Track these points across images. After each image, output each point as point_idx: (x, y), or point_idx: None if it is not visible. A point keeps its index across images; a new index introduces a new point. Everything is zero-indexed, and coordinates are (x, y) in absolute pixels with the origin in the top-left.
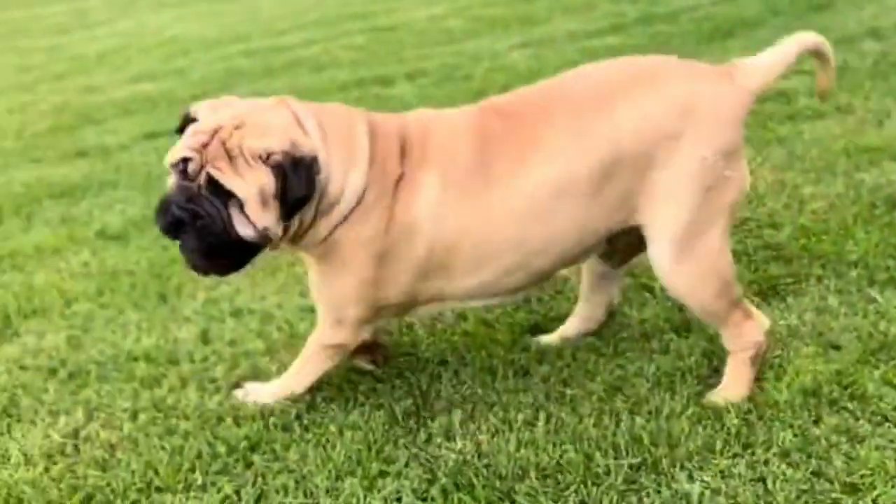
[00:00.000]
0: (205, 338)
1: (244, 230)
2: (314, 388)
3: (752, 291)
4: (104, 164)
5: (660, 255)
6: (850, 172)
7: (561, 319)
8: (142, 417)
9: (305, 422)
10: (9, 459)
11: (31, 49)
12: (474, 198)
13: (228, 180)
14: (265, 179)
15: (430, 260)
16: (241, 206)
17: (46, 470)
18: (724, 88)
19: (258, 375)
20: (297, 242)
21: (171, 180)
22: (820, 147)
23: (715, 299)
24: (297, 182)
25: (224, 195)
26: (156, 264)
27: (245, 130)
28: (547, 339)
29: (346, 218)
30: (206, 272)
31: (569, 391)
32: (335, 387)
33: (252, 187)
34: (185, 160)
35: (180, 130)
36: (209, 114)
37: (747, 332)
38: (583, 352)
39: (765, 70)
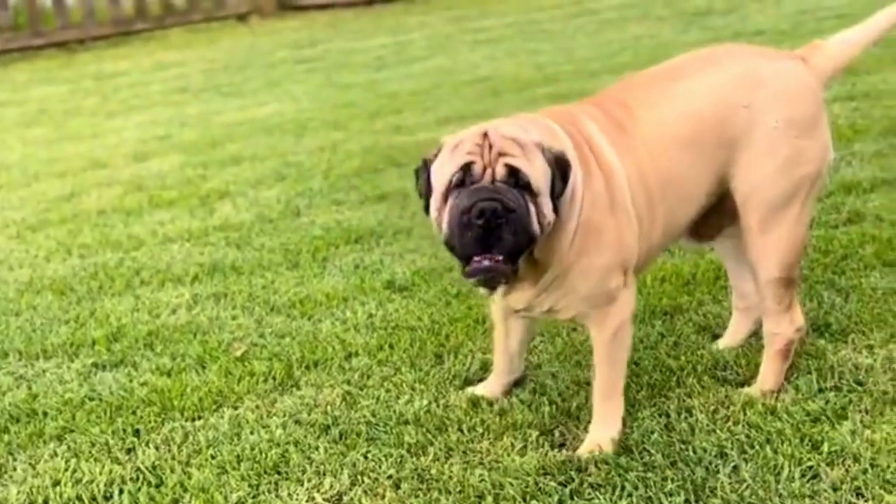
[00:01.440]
0: (474, 406)
1: (534, 225)
2: (583, 469)
3: None
4: (401, 209)
5: (746, 222)
6: None
7: (843, 410)
8: (404, 487)
9: None
10: None
11: (350, 84)
12: (624, 135)
13: (527, 168)
14: (547, 170)
15: (632, 196)
16: (534, 199)
17: None
18: (787, 64)
19: (526, 449)
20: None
21: (454, 197)
22: None
23: (785, 270)
24: (559, 178)
25: (521, 187)
26: (437, 321)
27: (514, 127)
28: (724, 342)
29: (583, 196)
30: (496, 281)
31: (862, 502)
32: (604, 472)
33: (542, 177)
34: (469, 164)
35: (426, 173)
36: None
37: (785, 324)
38: (883, 456)
39: (839, 50)
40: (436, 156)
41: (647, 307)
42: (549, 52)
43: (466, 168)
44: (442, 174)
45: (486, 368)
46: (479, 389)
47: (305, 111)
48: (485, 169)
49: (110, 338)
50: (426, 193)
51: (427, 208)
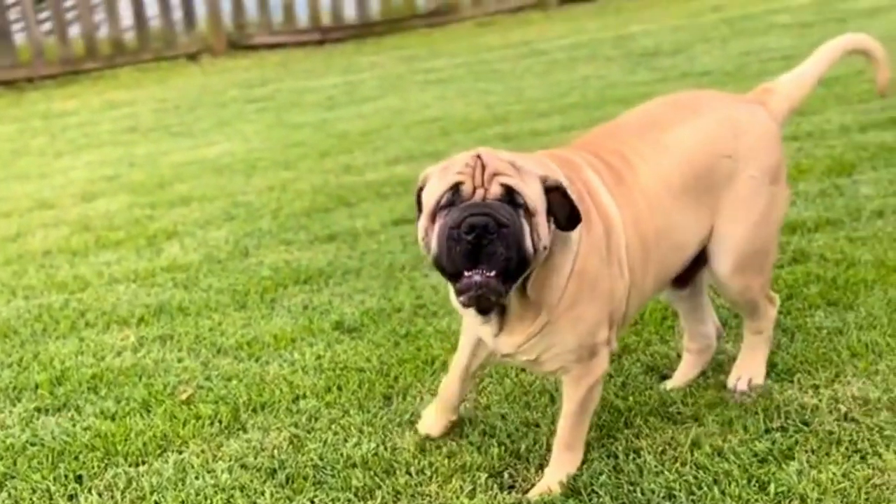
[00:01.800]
0: (423, 448)
1: (528, 242)
2: None
3: None
4: (351, 249)
5: (720, 265)
6: None
7: (790, 450)
8: None
9: None
10: None
11: (301, 124)
12: (623, 187)
13: (522, 187)
14: (542, 195)
15: (627, 248)
16: (528, 218)
17: None
18: (758, 111)
19: (475, 492)
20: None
21: (443, 216)
22: None
23: (759, 292)
24: (562, 206)
25: (516, 205)
26: (386, 362)
27: (510, 153)
28: (672, 383)
29: (580, 242)
30: (489, 299)
31: None
32: None
33: (538, 199)
34: (458, 184)
35: (418, 197)
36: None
37: (771, 309)
38: (829, 497)
39: (791, 91)
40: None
41: None
42: (499, 93)
43: (455, 188)
44: (430, 195)
45: None
46: (427, 428)
47: (255, 151)
48: (475, 190)
49: (54, 381)
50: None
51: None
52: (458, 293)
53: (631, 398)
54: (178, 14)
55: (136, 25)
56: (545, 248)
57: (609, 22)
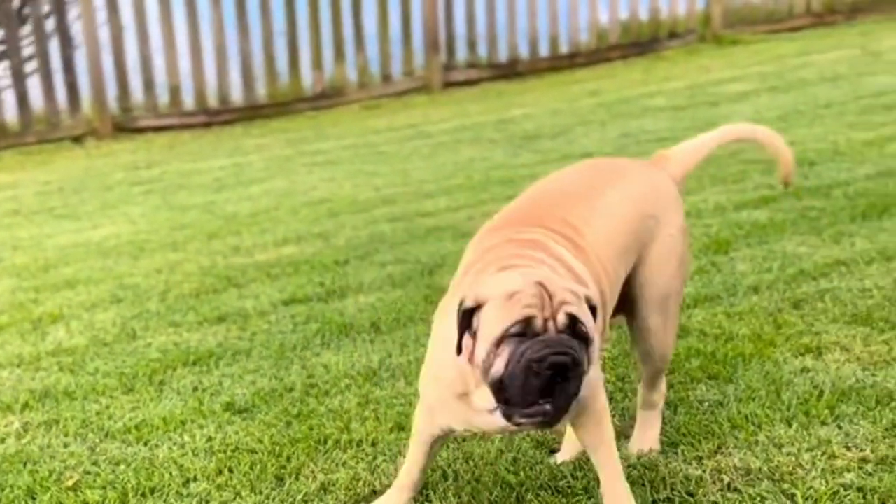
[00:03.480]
0: None
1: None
2: None
3: None
4: (240, 330)
5: (649, 316)
6: None
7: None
8: None
9: None
10: None
11: (188, 206)
12: (582, 253)
13: (583, 317)
14: (591, 318)
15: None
16: (587, 349)
17: None
18: (664, 176)
19: None
20: None
21: (514, 343)
22: None
23: (670, 338)
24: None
25: (578, 336)
26: (278, 443)
27: (565, 278)
28: (561, 456)
29: None
30: (548, 425)
31: None
32: None
33: (591, 325)
34: (531, 318)
35: (464, 316)
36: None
37: (664, 383)
38: None
39: (685, 158)
40: (471, 311)
41: None
42: (386, 174)
43: (527, 322)
44: (495, 322)
45: (326, 489)
46: None
47: (142, 233)
48: (545, 321)
49: None
50: (461, 334)
51: (460, 348)
52: (522, 416)
53: (522, 473)
54: (62, 97)
55: (20, 108)
56: (596, 376)
57: (491, 105)
